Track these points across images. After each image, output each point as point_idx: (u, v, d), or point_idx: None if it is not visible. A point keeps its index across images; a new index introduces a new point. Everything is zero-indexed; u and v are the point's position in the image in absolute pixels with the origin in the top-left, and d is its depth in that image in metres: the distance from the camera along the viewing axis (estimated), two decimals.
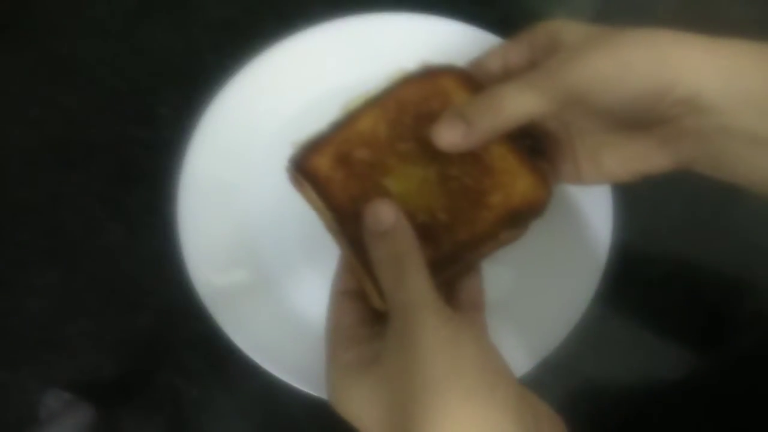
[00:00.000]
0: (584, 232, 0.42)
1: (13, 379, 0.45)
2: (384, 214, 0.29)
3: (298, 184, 0.33)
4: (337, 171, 0.32)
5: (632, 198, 0.44)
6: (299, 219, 0.43)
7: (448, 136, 0.30)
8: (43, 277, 0.47)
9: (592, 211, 0.42)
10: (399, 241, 0.29)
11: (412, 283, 0.28)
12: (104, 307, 0.46)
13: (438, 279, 0.30)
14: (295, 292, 0.42)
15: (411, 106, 0.33)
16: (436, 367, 0.25)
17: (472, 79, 0.34)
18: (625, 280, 0.42)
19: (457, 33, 0.45)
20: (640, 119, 0.29)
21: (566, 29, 0.31)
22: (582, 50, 0.28)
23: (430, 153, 0.32)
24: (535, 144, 0.34)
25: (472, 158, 0.32)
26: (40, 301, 0.47)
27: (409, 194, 0.32)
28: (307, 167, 0.32)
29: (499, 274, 0.42)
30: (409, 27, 0.45)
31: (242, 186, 0.44)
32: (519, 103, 0.29)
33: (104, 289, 0.47)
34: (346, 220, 0.31)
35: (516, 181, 0.32)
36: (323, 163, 0.32)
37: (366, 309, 0.32)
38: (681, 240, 0.47)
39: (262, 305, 0.42)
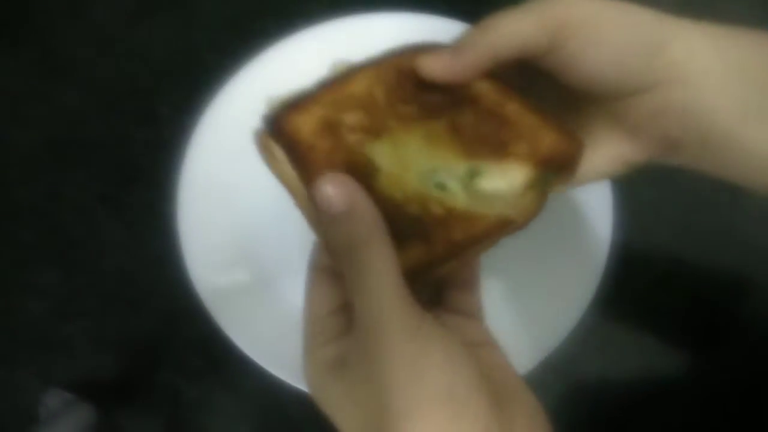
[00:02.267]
0: (584, 232, 0.42)
1: (13, 379, 0.45)
2: (334, 190, 0.24)
3: (268, 151, 0.28)
4: (322, 138, 0.26)
5: (632, 198, 0.44)
6: (299, 219, 0.43)
7: (436, 60, 0.27)
8: (43, 277, 0.47)
9: (592, 211, 0.42)
10: (355, 228, 0.23)
11: (373, 282, 0.23)
12: (104, 307, 0.46)
13: (434, 276, 0.27)
14: (295, 292, 0.42)
15: (412, 73, 0.28)
16: (395, 392, 0.22)
17: None
18: (625, 280, 0.42)
19: (457, 33, 0.44)
20: (628, 81, 0.27)
21: None
22: None
23: (437, 113, 0.28)
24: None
25: (486, 112, 0.28)
26: (40, 301, 0.47)
27: (409, 161, 0.27)
28: (285, 129, 0.26)
29: (498, 274, 0.42)
30: (409, 27, 0.45)
31: (242, 186, 0.44)
32: (513, 26, 0.27)
33: (104, 289, 0.47)
34: None
35: (539, 134, 0.27)
36: (306, 126, 0.26)
37: (344, 293, 0.28)
38: (681, 240, 0.47)
39: (262, 305, 0.42)
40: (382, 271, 0.23)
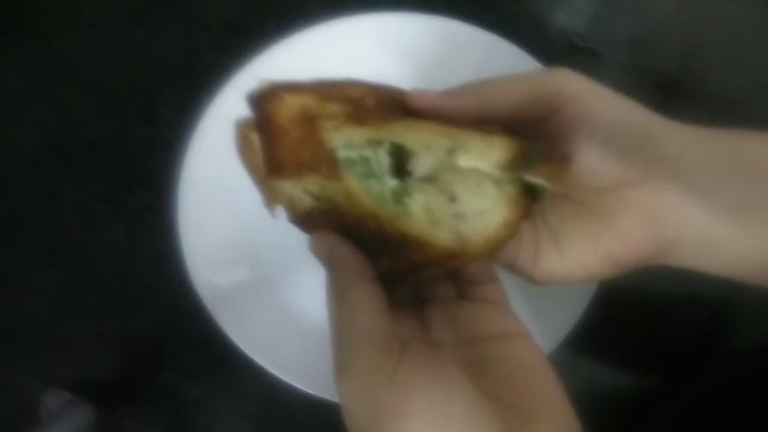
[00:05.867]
0: None
1: (13, 379, 0.45)
2: (318, 245, 0.27)
3: (245, 141, 0.29)
4: (297, 127, 0.27)
5: None
6: None
7: (426, 93, 0.27)
8: (43, 277, 0.47)
9: None
10: (338, 274, 0.26)
11: (349, 332, 0.25)
12: (104, 307, 0.46)
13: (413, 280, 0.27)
14: (295, 292, 0.42)
15: (404, 103, 0.29)
16: None
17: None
18: (625, 280, 0.42)
19: (457, 32, 0.45)
20: (618, 162, 0.26)
21: None
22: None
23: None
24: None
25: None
26: (40, 301, 0.47)
27: (389, 136, 0.26)
28: (265, 108, 0.27)
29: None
30: (410, 27, 0.45)
31: (242, 186, 0.44)
32: (509, 86, 0.27)
33: (104, 289, 0.47)
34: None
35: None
36: (285, 111, 0.27)
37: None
38: None
39: (262, 305, 0.42)
40: (356, 317, 0.25)
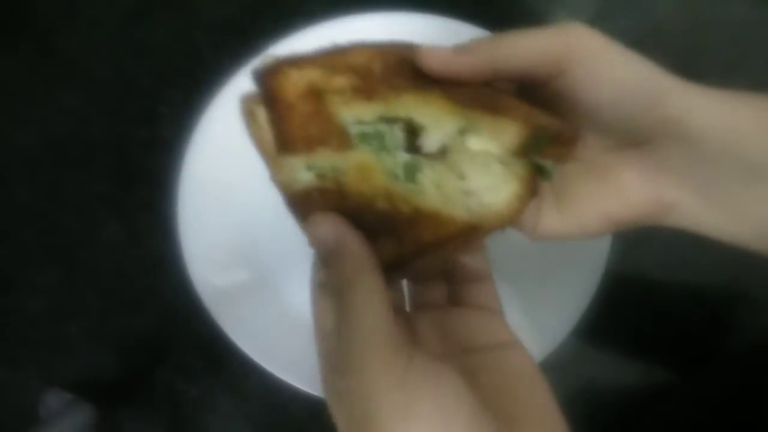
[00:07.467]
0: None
1: (13, 379, 0.45)
2: (325, 229, 0.25)
3: (251, 115, 0.28)
4: (304, 101, 0.26)
5: None
6: None
7: (435, 52, 0.26)
8: (43, 276, 0.47)
9: None
10: (343, 266, 0.24)
11: (358, 322, 0.23)
12: (104, 307, 0.46)
13: (412, 270, 0.27)
14: (295, 292, 0.42)
15: (412, 62, 0.28)
16: None
17: None
18: (625, 280, 0.42)
19: (457, 32, 0.45)
20: (623, 123, 0.26)
21: None
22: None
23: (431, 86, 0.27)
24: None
25: (482, 91, 0.27)
26: (40, 301, 0.47)
27: (398, 113, 0.26)
28: (270, 84, 0.26)
29: (498, 274, 0.42)
30: (410, 26, 0.45)
31: (242, 186, 0.44)
32: (518, 43, 0.26)
33: (104, 289, 0.47)
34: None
35: (535, 112, 0.26)
36: (291, 86, 0.26)
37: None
38: (681, 241, 0.47)
39: (262, 305, 0.42)
40: (367, 312, 0.23)
